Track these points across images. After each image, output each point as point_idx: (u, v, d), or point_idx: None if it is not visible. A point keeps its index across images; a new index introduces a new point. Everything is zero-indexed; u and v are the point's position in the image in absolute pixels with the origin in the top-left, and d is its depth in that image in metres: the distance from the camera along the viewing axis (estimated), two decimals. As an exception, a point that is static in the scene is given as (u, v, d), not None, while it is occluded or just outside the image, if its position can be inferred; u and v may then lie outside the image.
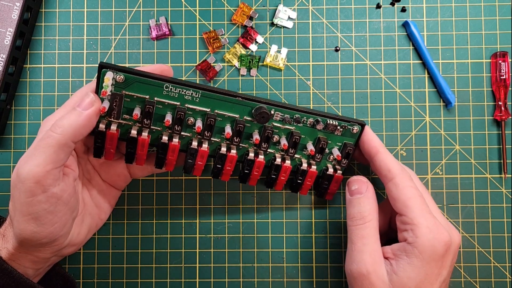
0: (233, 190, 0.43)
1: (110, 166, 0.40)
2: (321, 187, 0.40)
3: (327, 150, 0.39)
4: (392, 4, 0.44)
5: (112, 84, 0.35)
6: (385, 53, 0.44)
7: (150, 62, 0.44)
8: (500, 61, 0.43)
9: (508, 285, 0.42)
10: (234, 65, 0.43)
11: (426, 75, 0.44)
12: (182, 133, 0.37)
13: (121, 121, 0.36)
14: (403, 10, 0.44)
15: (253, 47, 0.43)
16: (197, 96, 0.36)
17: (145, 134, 0.36)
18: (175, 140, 0.36)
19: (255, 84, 0.43)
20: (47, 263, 0.37)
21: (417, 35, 0.43)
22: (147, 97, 0.36)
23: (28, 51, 0.43)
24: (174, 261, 0.43)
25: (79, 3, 0.44)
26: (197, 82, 0.43)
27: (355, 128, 0.39)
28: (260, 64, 0.43)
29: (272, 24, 0.44)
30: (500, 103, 0.43)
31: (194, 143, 0.37)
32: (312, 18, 0.44)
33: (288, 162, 0.39)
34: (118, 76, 0.35)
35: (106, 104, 0.35)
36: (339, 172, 0.40)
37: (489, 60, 0.44)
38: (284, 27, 0.44)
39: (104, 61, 0.43)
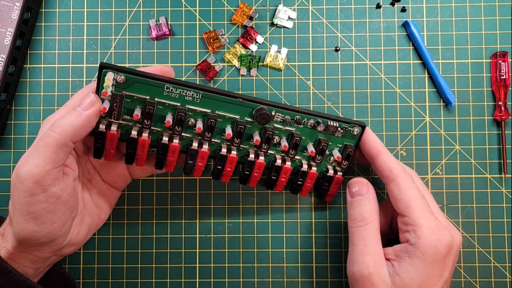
0: (233, 190, 0.43)
1: (110, 167, 0.40)
2: (321, 189, 0.40)
3: (327, 152, 0.39)
4: (392, 4, 0.44)
5: (112, 85, 0.35)
6: (385, 53, 0.44)
7: (150, 62, 0.43)
8: (500, 61, 0.43)
9: (508, 285, 0.42)
10: (234, 65, 0.43)
11: (426, 75, 0.44)
12: (183, 134, 0.37)
13: (122, 122, 0.36)
14: (403, 10, 0.44)
15: (253, 47, 0.43)
16: (197, 97, 0.36)
17: (145, 135, 0.36)
18: (176, 141, 0.36)
19: (255, 84, 0.43)
20: (47, 263, 0.37)
21: (417, 35, 0.43)
22: (147, 97, 0.36)
23: (28, 51, 0.43)
24: (174, 261, 0.43)
25: (79, 3, 0.44)
26: (197, 82, 0.43)
27: (356, 129, 0.39)
28: (260, 64, 0.43)
29: (272, 24, 0.44)
30: (500, 103, 0.43)
31: (195, 144, 0.37)
32: (312, 18, 0.44)
33: (288, 164, 0.38)
34: (118, 76, 0.35)
35: (107, 105, 0.35)
36: (339, 173, 0.40)
37: (489, 60, 0.44)
38: (284, 27, 0.44)
39: (104, 61, 0.43)
